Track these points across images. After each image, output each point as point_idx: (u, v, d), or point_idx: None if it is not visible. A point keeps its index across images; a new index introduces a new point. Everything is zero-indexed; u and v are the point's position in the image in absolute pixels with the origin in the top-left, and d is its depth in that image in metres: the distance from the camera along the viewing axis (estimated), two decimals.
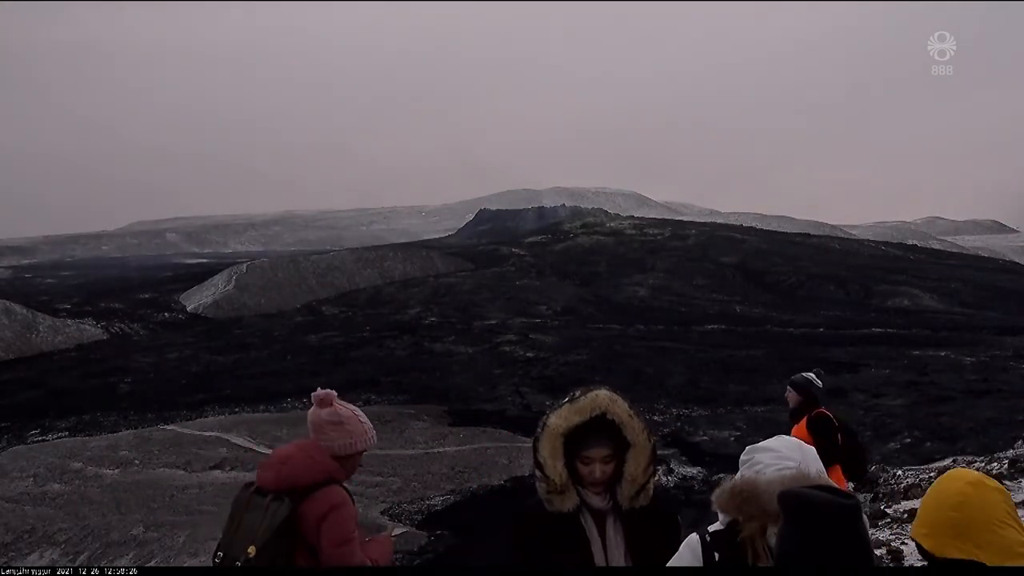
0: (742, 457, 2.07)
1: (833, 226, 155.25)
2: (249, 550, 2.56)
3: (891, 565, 6.04)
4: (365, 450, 2.92)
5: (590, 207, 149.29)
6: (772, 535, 1.87)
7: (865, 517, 1.68)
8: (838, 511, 1.63)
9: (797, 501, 1.67)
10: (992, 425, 23.30)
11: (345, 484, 2.84)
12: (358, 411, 2.93)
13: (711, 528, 2.05)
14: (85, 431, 28.24)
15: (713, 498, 2.03)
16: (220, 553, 2.63)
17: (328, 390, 2.92)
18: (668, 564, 2.10)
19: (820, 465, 1.98)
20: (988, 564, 1.74)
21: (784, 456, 1.98)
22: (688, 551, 2.03)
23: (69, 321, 51.87)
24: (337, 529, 2.64)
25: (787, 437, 2.08)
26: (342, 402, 2.92)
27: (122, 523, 18.03)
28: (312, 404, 2.90)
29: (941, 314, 53.10)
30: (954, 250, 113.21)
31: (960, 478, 1.85)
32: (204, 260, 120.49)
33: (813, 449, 2.03)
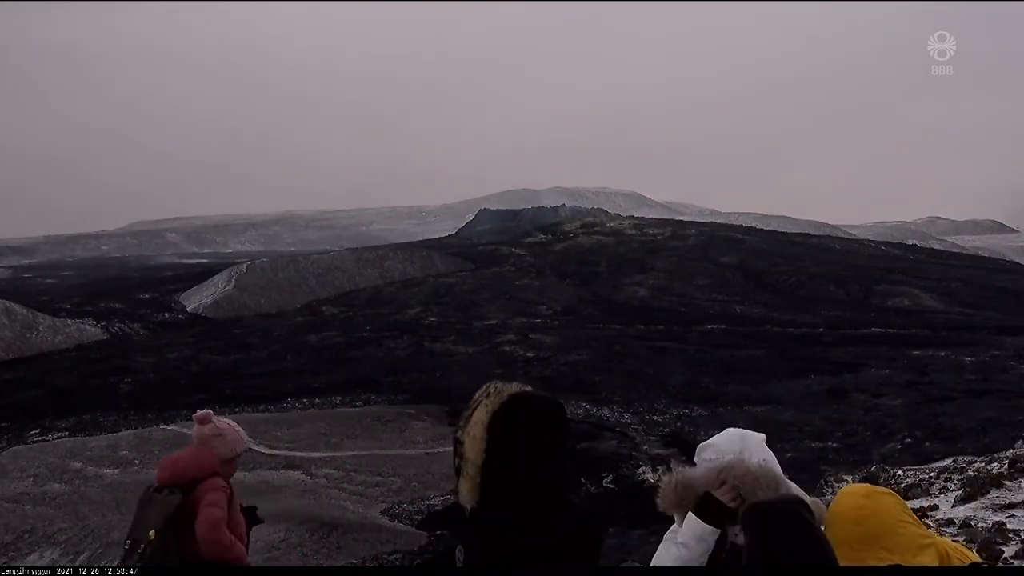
0: (695, 458, 2.13)
1: (833, 226, 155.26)
2: (151, 533, 3.18)
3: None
4: (243, 452, 3.61)
5: (590, 207, 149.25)
6: (736, 533, 1.91)
7: (813, 514, 1.73)
8: (782, 511, 1.70)
9: (750, 510, 1.75)
10: (992, 425, 23.29)
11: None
12: (232, 423, 3.64)
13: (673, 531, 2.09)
14: (85, 431, 28.25)
15: (658, 500, 2.07)
16: (128, 541, 3.24)
17: (206, 410, 3.63)
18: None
19: (766, 453, 2.03)
20: (901, 563, 1.87)
21: (722, 450, 2.05)
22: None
23: (69, 321, 51.87)
24: (209, 510, 3.27)
25: (732, 430, 2.14)
26: (218, 417, 3.63)
27: (122, 523, 18.01)
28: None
29: (941, 314, 53.11)
30: (954, 250, 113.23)
31: (854, 493, 2.00)
32: (204, 260, 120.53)
33: (759, 436, 2.09)
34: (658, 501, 2.06)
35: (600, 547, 2.03)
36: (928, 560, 1.89)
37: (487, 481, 1.94)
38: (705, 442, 2.13)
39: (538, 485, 1.94)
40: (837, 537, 1.92)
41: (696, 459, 2.11)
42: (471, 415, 2.00)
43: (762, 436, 2.09)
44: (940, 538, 2.00)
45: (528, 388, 2.04)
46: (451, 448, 2.07)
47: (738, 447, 2.04)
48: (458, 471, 1.99)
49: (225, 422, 3.59)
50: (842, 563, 1.88)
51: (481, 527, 1.94)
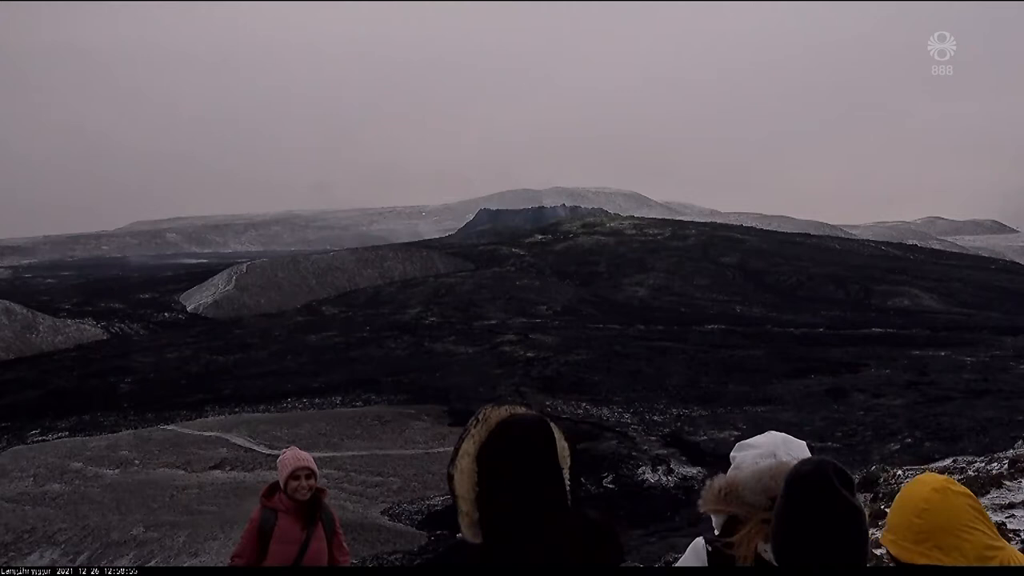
0: (731, 455, 2.09)
1: (833, 226, 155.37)
2: None
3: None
4: (290, 474, 4.17)
5: (590, 207, 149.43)
6: (764, 549, 1.87)
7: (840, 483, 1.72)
8: (815, 476, 1.70)
9: (789, 475, 1.74)
10: (992, 425, 23.30)
11: (274, 505, 4.18)
12: (287, 450, 4.36)
13: (710, 537, 2.06)
14: (85, 431, 28.25)
15: (700, 500, 2.05)
16: None
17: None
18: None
19: (808, 456, 1.98)
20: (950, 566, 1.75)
21: (765, 453, 1.99)
22: (694, 556, 2.02)
23: (69, 321, 51.87)
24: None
25: (775, 432, 2.09)
26: (295, 448, 4.43)
27: (122, 523, 18.03)
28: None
29: (941, 314, 53.10)
30: (954, 250, 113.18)
31: (926, 484, 1.86)
32: (204, 260, 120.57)
33: (802, 443, 2.03)
34: (700, 503, 2.05)
35: (619, 550, 1.96)
36: None
37: (484, 515, 1.86)
38: (745, 441, 2.09)
39: (540, 513, 1.86)
40: (894, 524, 1.85)
41: (733, 455, 2.07)
42: (459, 447, 1.91)
43: (803, 443, 2.04)
44: (1012, 550, 1.84)
45: (518, 410, 1.95)
46: (450, 448, 2.01)
47: (783, 451, 1.99)
48: (455, 508, 1.90)
49: (287, 450, 4.39)
50: (895, 554, 1.84)
51: (493, 564, 1.85)
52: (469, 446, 1.90)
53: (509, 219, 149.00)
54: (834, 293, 61.99)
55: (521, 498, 1.85)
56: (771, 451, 1.99)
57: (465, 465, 1.88)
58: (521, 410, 1.96)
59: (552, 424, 1.97)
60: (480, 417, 1.94)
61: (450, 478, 1.91)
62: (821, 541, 1.68)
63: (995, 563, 1.76)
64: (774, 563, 1.86)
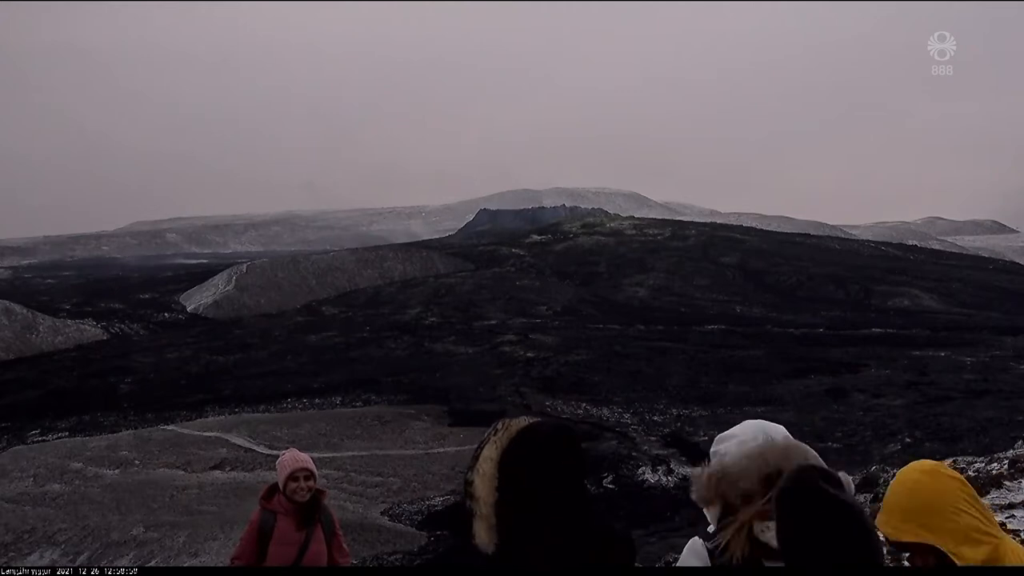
0: (712, 449, 2.07)
1: (833, 226, 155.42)
2: None
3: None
4: (289, 476, 4.15)
5: (590, 207, 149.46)
6: (762, 529, 1.85)
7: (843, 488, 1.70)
8: (801, 486, 1.67)
9: (776, 493, 1.71)
10: (992, 425, 23.30)
11: (273, 506, 4.14)
12: (286, 452, 4.31)
13: (709, 530, 2.02)
14: (85, 431, 28.26)
15: (692, 493, 2.02)
16: None
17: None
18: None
19: (789, 437, 1.98)
20: (942, 548, 1.78)
21: (748, 438, 1.98)
22: (694, 556, 1.99)
23: (69, 321, 51.88)
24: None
25: (751, 421, 2.07)
26: (294, 449, 4.42)
27: (122, 523, 18.03)
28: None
29: (941, 314, 53.11)
30: (954, 250, 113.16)
31: (916, 468, 1.91)
32: (204, 260, 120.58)
33: (780, 427, 2.01)
34: (692, 492, 2.01)
35: (632, 557, 1.97)
36: (971, 554, 1.76)
37: (504, 521, 1.83)
38: (724, 433, 2.06)
39: (560, 522, 1.84)
40: (886, 504, 1.89)
41: (715, 449, 2.05)
42: (479, 453, 1.91)
43: (782, 427, 2.01)
44: (1007, 539, 1.85)
45: (538, 419, 1.96)
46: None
47: (762, 436, 1.97)
48: (471, 513, 1.87)
49: (286, 452, 4.39)
50: (886, 534, 1.86)
51: (503, 566, 1.83)
52: (491, 451, 1.89)
53: (509, 219, 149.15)
54: (834, 293, 62.01)
55: (543, 503, 1.84)
56: (754, 435, 1.97)
57: (487, 469, 1.87)
58: (539, 420, 1.96)
59: (574, 432, 1.98)
60: (501, 425, 1.94)
61: (469, 484, 1.90)
62: (827, 548, 1.65)
63: (982, 548, 1.77)
64: (773, 544, 1.86)
